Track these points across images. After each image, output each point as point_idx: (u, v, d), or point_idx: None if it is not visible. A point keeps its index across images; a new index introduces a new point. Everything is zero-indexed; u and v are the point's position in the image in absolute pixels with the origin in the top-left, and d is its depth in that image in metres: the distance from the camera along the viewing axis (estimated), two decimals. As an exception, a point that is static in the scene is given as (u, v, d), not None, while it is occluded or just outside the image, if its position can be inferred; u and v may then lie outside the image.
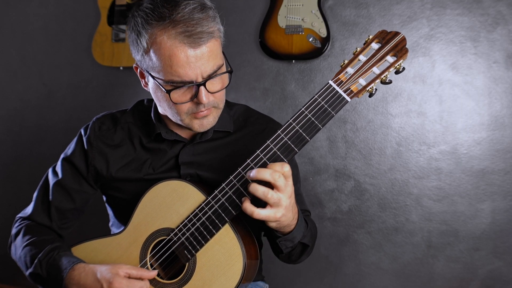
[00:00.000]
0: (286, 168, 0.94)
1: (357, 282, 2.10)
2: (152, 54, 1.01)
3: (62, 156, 1.27)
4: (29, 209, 1.27)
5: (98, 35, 2.31)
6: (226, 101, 1.20)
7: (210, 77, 1.01)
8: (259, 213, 0.94)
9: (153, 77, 1.04)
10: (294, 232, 1.06)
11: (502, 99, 1.88)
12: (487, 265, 1.92)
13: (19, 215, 1.29)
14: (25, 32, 2.55)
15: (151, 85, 1.09)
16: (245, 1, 2.16)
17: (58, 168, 1.26)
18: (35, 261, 1.11)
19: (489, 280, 1.92)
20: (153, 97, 1.13)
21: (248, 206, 0.95)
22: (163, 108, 1.12)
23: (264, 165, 0.97)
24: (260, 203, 0.95)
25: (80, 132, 1.26)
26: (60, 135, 2.50)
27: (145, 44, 1.01)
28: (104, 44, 2.30)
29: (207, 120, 1.09)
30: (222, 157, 1.19)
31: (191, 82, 1.00)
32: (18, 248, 1.19)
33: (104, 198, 1.32)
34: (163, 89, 1.02)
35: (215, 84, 1.05)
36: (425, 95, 1.97)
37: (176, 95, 1.03)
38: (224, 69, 1.06)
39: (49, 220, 1.24)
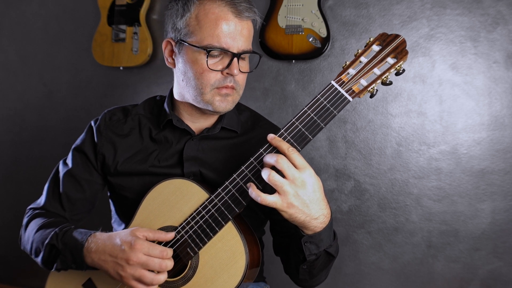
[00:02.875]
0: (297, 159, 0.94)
1: (357, 282, 2.10)
2: (197, 18, 1.08)
3: (72, 146, 1.28)
4: (41, 200, 1.28)
5: (98, 35, 2.31)
6: (237, 105, 1.23)
7: (244, 52, 1.10)
8: (265, 198, 0.94)
9: (190, 44, 1.09)
10: (322, 234, 1.00)
11: (502, 99, 1.89)
12: (487, 265, 1.92)
13: (31, 206, 1.29)
14: (25, 32, 2.55)
15: (182, 56, 1.12)
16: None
17: (69, 159, 1.27)
18: (52, 233, 1.11)
19: (489, 280, 1.92)
20: (180, 73, 1.15)
21: (254, 191, 0.95)
22: (186, 82, 1.14)
23: None
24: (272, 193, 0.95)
25: (90, 123, 1.28)
26: (60, 135, 2.49)
27: (192, 9, 1.09)
28: (104, 44, 2.30)
29: (227, 101, 1.13)
30: (227, 158, 1.19)
31: (228, 51, 1.07)
32: (31, 231, 1.18)
33: (108, 194, 1.33)
34: (202, 50, 1.07)
35: (244, 66, 1.13)
36: (425, 95, 1.97)
37: (210, 62, 1.08)
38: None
39: (63, 209, 1.25)
